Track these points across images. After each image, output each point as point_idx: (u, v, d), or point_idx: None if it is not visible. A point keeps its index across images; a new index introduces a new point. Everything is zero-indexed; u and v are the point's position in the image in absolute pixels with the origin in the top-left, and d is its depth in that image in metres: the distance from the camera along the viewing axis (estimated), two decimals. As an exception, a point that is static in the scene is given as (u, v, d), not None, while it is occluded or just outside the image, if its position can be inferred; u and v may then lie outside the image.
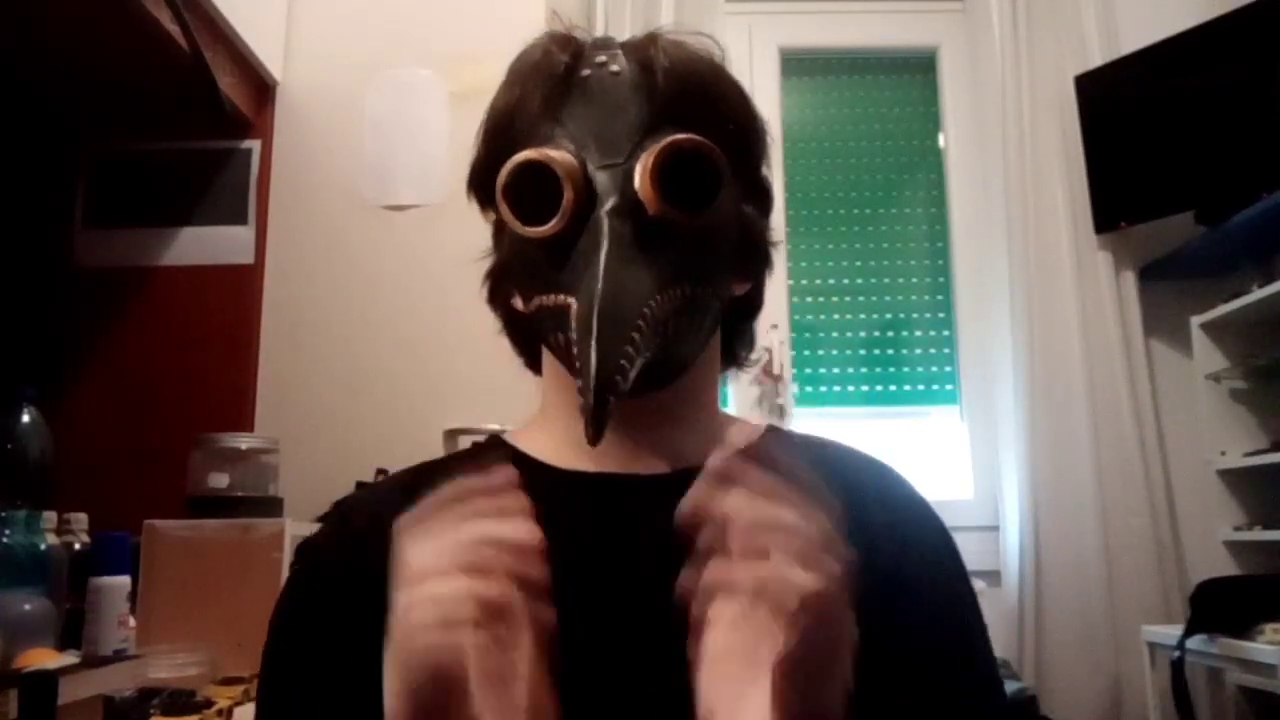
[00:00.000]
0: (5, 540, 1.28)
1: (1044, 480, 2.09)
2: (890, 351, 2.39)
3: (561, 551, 0.54)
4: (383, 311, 2.01)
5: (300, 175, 2.08)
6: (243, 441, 1.74)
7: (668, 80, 0.59)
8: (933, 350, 2.39)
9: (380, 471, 1.83)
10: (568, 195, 0.55)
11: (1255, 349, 2.00)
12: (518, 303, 0.63)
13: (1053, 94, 2.24)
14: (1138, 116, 2.13)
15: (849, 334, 2.40)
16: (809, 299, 2.40)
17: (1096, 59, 2.20)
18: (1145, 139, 2.12)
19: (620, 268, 0.52)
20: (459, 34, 2.04)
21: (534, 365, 0.69)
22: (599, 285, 0.51)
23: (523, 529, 0.49)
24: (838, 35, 2.49)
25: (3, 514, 1.30)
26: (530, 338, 0.67)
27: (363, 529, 0.60)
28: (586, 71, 0.60)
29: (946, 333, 2.37)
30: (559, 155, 0.56)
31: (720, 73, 0.63)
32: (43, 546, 1.33)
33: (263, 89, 2.10)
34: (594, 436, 0.49)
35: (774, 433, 0.68)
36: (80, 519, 1.44)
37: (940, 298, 2.40)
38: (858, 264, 2.43)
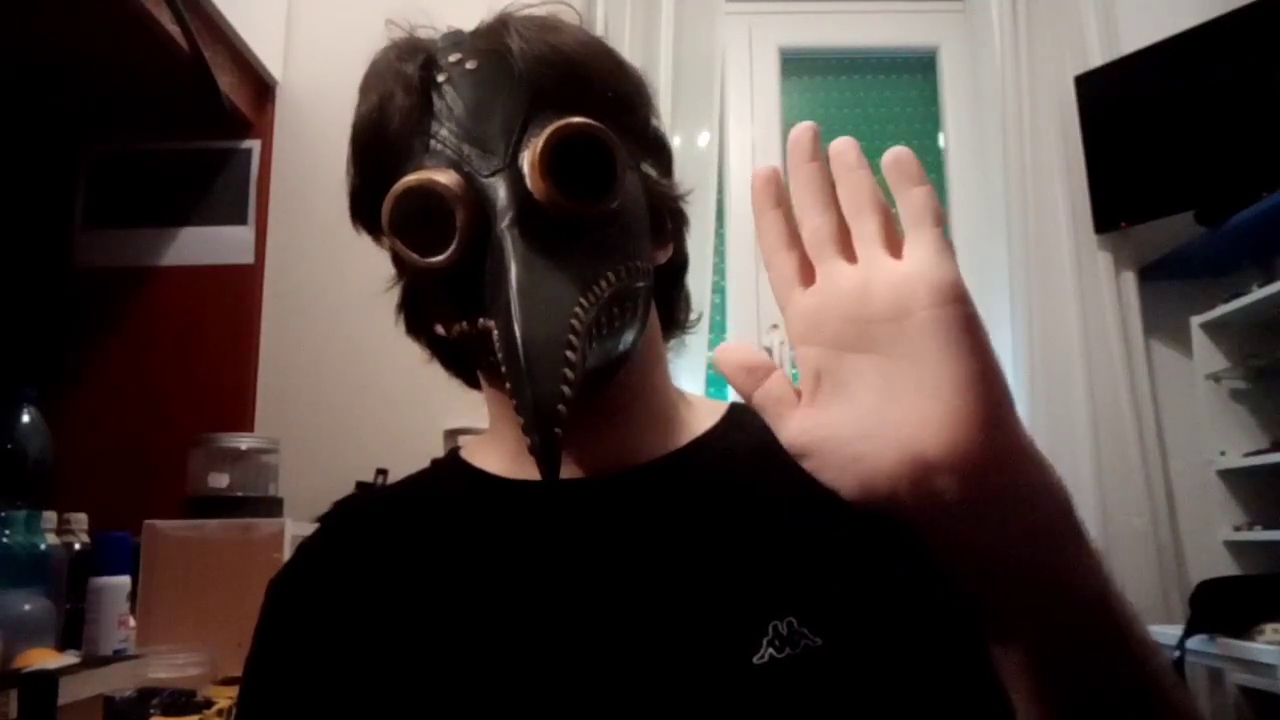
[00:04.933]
0: (5, 540, 1.29)
1: (1044, 480, 2.09)
2: (890, 351, 2.39)
3: (506, 561, 0.56)
4: (383, 312, 2.00)
5: (300, 175, 2.08)
6: (243, 441, 1.75)
7: (529, 63, 0.54)
8: (933, 350, 2.38)
9: (380, 472, 1.83)
10: (460, 218, 0.50)
11: (1255, 349, 2.00)
12: (439, 329, 0.59)
13: (1053, 94, 2.23)
14: (1138, 116, 2.13)
15: (849, 334, 2.40)
16: (809, 299, 2.40)
17: (1096, 59, 2.20)
18: (1145, 139, 2.12)
19: (534, 286, 0.48)
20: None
21: (472, 383, 0.66)
22: (516, 314, 0.46)
23: None
24: (838, 35, 2.48)
25: (3, 514, 1.30)
26: (460, 359, 0.64)
27: (320, 568, 0.61)
28: (442, 76, 0.55)
29: (946, 333, 2.37)
30: (440, 175, 0.51)
31: (583, 40, 0.58)
32: (43, 546, 1.33)
33: (263, 89, 2.10)
34: (548, 475, 0.45)
35: (735, 411, 0.65)
36: (80, 519, 1.45)
37: (940, 298, 2.40)
38: (858, 264, 2.42)
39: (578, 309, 0.48)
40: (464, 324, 0.53)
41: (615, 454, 0.59)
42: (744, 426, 0.63)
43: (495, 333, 0.48)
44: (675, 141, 2.23)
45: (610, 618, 0.52)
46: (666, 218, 0.62)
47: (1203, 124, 2.02)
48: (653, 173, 0.62)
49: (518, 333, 0.46)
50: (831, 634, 0.51)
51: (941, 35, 2.45)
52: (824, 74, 2.54)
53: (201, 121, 2.00)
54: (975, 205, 2.34)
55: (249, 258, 2.05)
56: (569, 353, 0.46)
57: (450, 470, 0.65)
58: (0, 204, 1.95)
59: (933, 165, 2.47)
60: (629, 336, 0.55)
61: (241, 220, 2.06)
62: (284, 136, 2.11)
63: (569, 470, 0.58)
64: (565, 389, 0.45)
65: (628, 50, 2.18)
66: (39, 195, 2.03)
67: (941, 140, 2.45)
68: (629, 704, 0.50)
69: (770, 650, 0.50)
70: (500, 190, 0.51)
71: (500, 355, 0.47)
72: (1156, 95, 2.11)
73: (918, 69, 2.50)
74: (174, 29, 1.68)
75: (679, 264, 0.65)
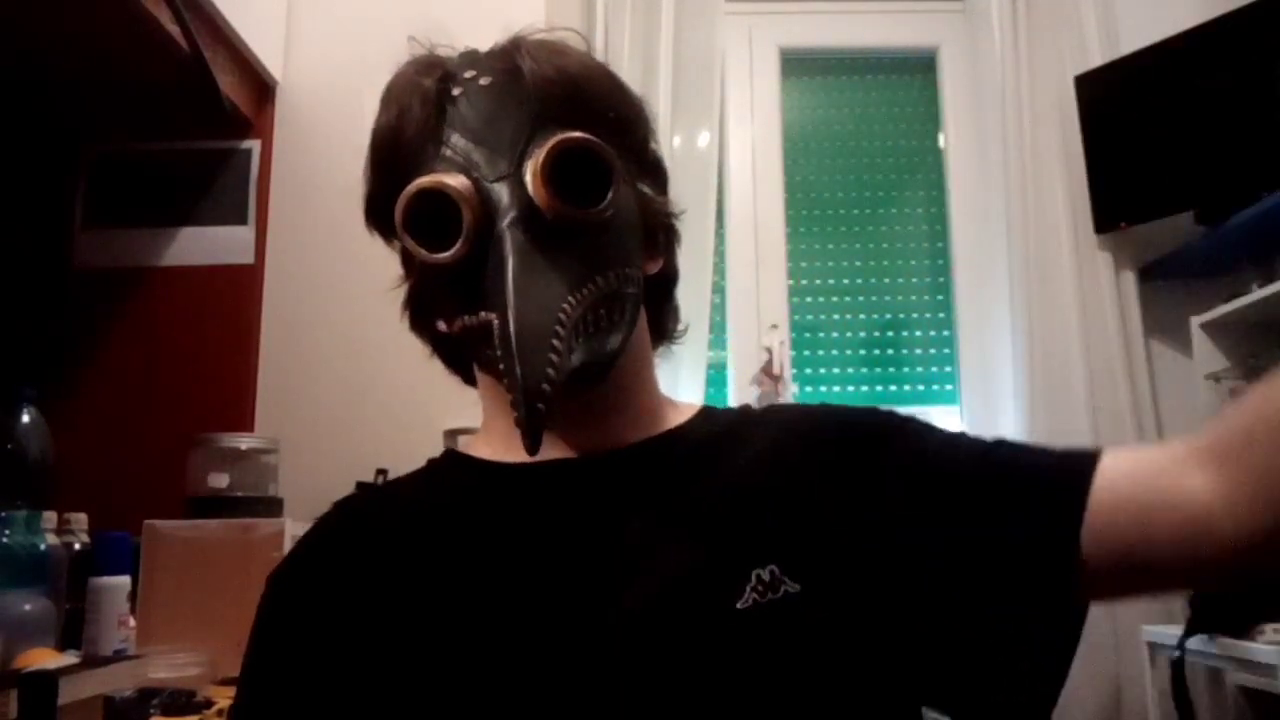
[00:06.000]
0: (5, 540, 1.28)
1: (1044, 480, 2.09)
2: (890, 351, 2.39)
3: (502, 536, 0.60)
4: (383, 311, 2.00)
5: (300, 175, 2.08)
6: (243, 441, 1.75)
7: (537, 83, 0.59)
8: (933, 350, 2.39)
9: (380, 472, 1.84)
10: (467, 217, 0.55)
11: (1255, 349, 2.00)
12: (441, 325, 0.64)
13: (1053, 94, 2.23)
14: (1138, 116, 2.13)
15: (849, 334, 2.40)
16: (809, 299, 2.40)
17: (1096, 59, 2.20)
18: (1145, 139, 2.12)
19: (529, 279, 0.53)
20: (459, 34, 2.04)
21: (470, 380, 0.70)
22: (511, 301, 0.52)
23: None
24: (838, 35, 2.48)
25: (3, 514, 1.30)
26: (460, 356, 0.69)
27: (320, 558, 0.64)
28: (457, 90, 0.60)
29: (946, 333, 2.37)
30: (451, 178, 0.56)
31: (588, 64, 0.63)
32: (43, 546, 1.33)
33: (263, 89, 2.10)
34: (531, 445, 0.51)
35: (706, 409, 0.70)
36: (80, 519, 1.45)
37: (940, 298, 2.40)
38: (858, 264, 2.43)
39: (566, 304, 0.54)
40: (466, 317, 0.58)
41: (604, 441, 0.63)
42: (714, 419, 0.69)
43: (495, 324, 0.52)
44: (675, 141, 2.23)
45: (602, 577, 0.56)
46: (659, 232, 0.67)
47: (1203, 124, 2.02)
48: (649, 191, 0.66)
49: (511, 319, 0.51)
50: (809, 579, 0.55)
51: (941, 35, 2.45)
52: (824, 74, 2.54)
53: (201, 121, 2.00)
54: (975, 205, 2.34)
55: (249, 258, 2.05)
56: (556, 341, 0.51)
57: (447, 463, 0.69)
58: (0, 204, 1.95)
59: (933, 165, 2.47)
60: (617, 337, 0.59)
61: (241, 220, 2.06)
62: (284, 136, 2.11)
63: (561, 452, 0.62)
64: (551, 371, 0.50)
65: (628, 51, 2.18)
66: (39, 195, 2.03)
67: (941, 140, 2.45)
68: (622, 653, 0.53)
69: (753, 596, 0.54)
70: (504, 194, 0.56)
71: (496, 340, 0.52)
72: (1156, 95, 2.11)
73: (918, 69, 2.50)
74: (174, 29, 1.68)
75: (669, 277, 0.70)
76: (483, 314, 0.55)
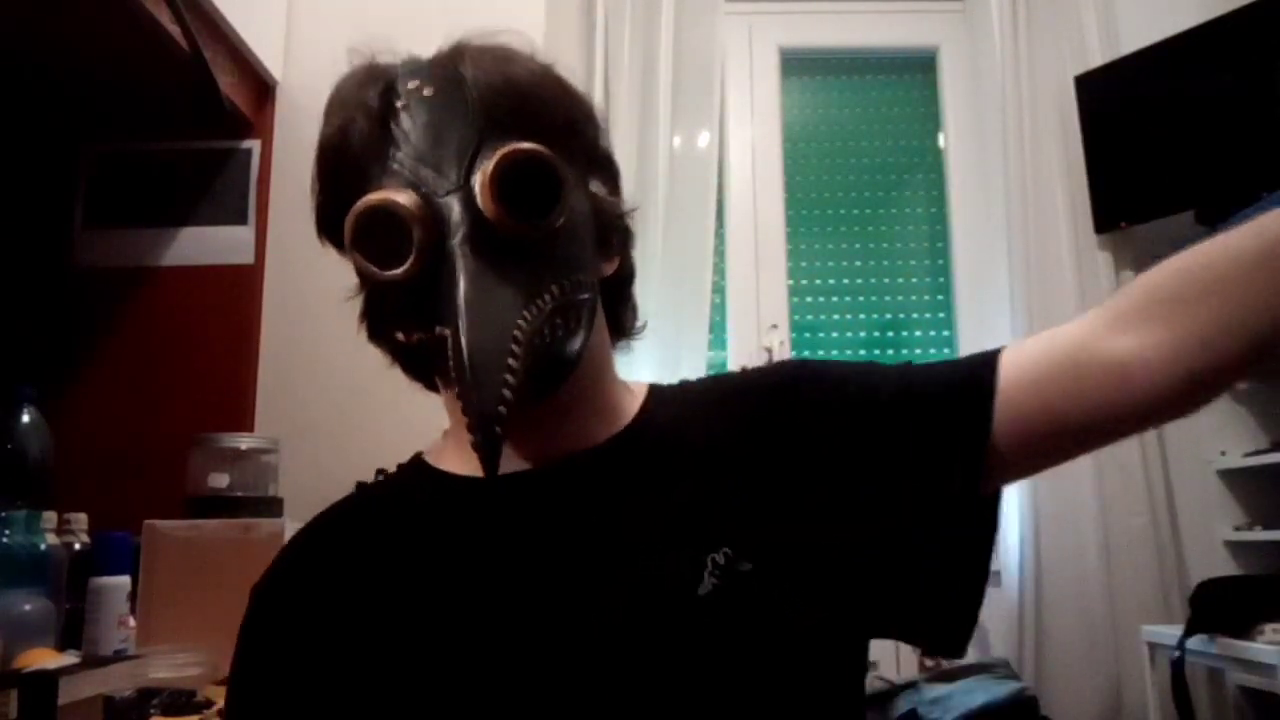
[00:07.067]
0: (5, 540, 1.28)
1: (1044, 480, 2.08)
2: (890, 352, 2.39)
3: (473, 551, 0.61)
4: (383, 311, 2.00)
5: (300, 175, 2.04)
6: (243, 441, 1.74)
7: (482, 91, 0.59)
8: (933, 350, 2.39)
9: (380, 471, 1.83)
10: (417, 235, 0.55)
11: (1255, 349, 2.00)
12: (399, 336, 0.63)
13: (1053, 94, 2.24)
14: (1138, 116, 2.13)
15: (849, 334, 2.40)
16: (809, 299, 2.40)
17: (1096, 59, 2.20)
18: (1145, 139, 2.12)
19: (481, 297, 0.53)
20: (459, 34, 2.04)
21: (433, 387, 0.70)
22: (463, 324, 0.52)
23: None
24: (838, 35, 2.49)
25: (3, 514, 1.30)
26: (421, 365, 0.69)
27: (303, 572, 0.65)
28: (400, 102, 0.60)
29: (946, 333, 2.37)
30: (400, 195, 0.56)
31: (534, 69, 0.63)
32: (43, 546, 1.33)
33: (263, 89, 2.10)
34: (489, 470, 0.51)
35: (653, 392, 0.71)
36: (80, 519, 1.44)
37: (940, 298, 2.40)
38: (858, 264, 2.43)
39: (521, 321, 0.54)
40: (423, 332, 0.58)
41: (567, 442, 0.64)
42: (662, 402, 0.70)
43: (449, 339, 0.52)
44: (675, 141, 2.23)
45: (573, 583, 0.58)
46: (613, 234, 0.67)
47: (1203, 124, 2.02)
48: (601, 191, 0.66)
49: (464, 343, 0.51)
50: (759, 558, 0.58)
51: (941, 35, 2.45)
52: (824, 74, 2.54)
53: (201, 121, 1.99)
54: (975, 205, 2.34)
55: (249, 258, 2.05)
56: (511, 360, 0.52)
57: (415, 474, 0.70)
58: (0, 204, 1.95)
59: (933, 165, 2.47)
60: (575, 344, 0.60)
61: (241, 220, 2.06)
62: (284, 136, 2.11)
63: (525, 463, 0.63)
64: (506, 393, 0.50)
65: (628, 51, 2.18)
66: (39, 195, 2.02)
67: (941, 140, 2.45)
68: (597, 654, 0.55)
69: (712, 581, 0.57)
70: (454, 209, 0.56)
71: (450, 362, 0.52)
72: (1156, 95, 2.11)
73: (918, 69, 2.51)
74: (174, 29, 1.68)
75: (625, 276, 0.70)
76: (438, 329, 0.55)
